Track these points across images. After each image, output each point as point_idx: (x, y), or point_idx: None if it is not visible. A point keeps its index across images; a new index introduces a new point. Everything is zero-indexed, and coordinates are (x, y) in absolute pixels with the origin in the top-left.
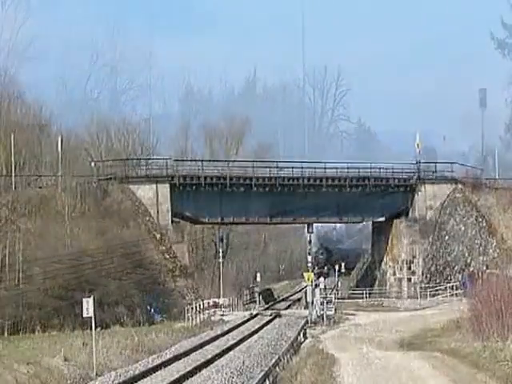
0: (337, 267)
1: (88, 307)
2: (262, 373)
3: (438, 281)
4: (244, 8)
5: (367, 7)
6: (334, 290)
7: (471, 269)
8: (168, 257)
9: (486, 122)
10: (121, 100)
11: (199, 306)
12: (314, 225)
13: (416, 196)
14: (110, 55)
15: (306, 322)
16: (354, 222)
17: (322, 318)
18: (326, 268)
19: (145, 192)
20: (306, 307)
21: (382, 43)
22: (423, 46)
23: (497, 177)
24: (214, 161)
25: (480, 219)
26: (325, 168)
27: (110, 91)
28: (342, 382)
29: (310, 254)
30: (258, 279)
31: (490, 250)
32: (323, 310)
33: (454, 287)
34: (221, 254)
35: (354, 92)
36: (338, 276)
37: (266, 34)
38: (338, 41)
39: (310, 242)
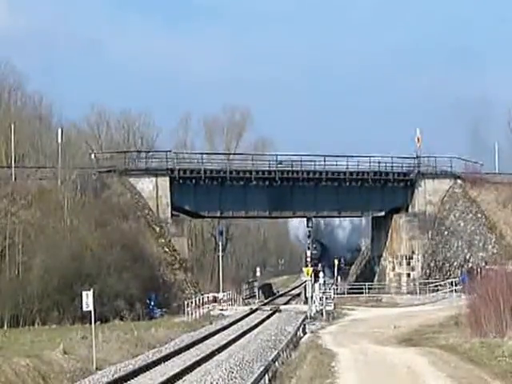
0: (336, 262)
1: (88, 301)
2: (262, 367)
3: (437, 276)
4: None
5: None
6: (333, 286)
7: (470, 265)
8: (167, 250)
9: (486, 115)
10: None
11: (199, 300)
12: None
13: (416, 191)
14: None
15: (306, 317)
16: (353, 217)
17: (322, 314)
18: (320, 265)
19: (144, 185)
20: (306, 302)
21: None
22: (423, 41)
23: (497, 171)
24: (213, 153)
25: (479, 215)
26: (324, 162)
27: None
28: (341, 377)
29: (309, 248)
30: (258, 274)
31: (489, 246)
32: (322, 305)
33: (453, 283)
34: (220, 248)
35: None
36: (338, 271)
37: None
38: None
39: (309, 236)
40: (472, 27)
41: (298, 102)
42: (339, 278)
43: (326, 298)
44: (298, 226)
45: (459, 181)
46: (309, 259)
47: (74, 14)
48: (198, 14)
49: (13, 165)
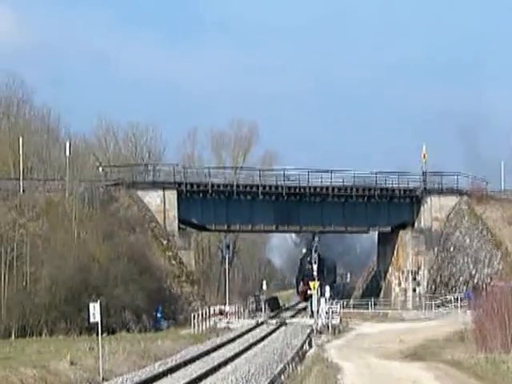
0: (344, 277)
1: (95, 312)
2: (268, 380)
3: (442, 292)
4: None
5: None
6: (335, 300)
7: (476, 281)
8: (174, 263)
9: (491, 132)
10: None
11: (205, 312)
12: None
13: (422, 207)
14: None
15: (312, 330)
16: (359, 232)
17: (328, 328)
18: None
19: (152, 198)
20: (312, 316)
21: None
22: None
23: (502, 189)
24: (221, 168)
25: (485, 231)
26: (331, 177)
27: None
28: None
29: (315, 262)
30: (264, 287)
31: (495, 263)
32: (328, 319)
33: (459, 299)
34: (227, 261)
35: None
36: (344, 286)
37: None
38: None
39: (315, 250)
40: (471, 42)
41: (305, 116)
42: (346, 292)
43: (332, 312)
44: (278, 245)
45: (465, 197)
46: (315, 273)
47: (81, 29)
48: (206, 28)
49: (21, 177)
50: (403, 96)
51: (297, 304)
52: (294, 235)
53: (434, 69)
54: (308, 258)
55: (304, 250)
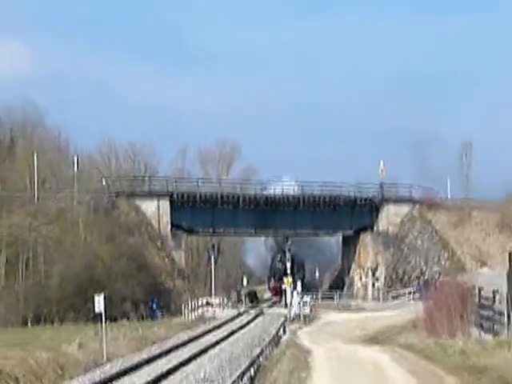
0: (313, 273)
1: (99, 303)
2: (248, 361)
3: (397, 286)
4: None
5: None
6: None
7: (426, 276)
8: (167, 261)
9: (440, 146)
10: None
11: (194, 304)
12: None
13: (380, 213)
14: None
15: (286, 319)
16: (326, 235)
17: (299, 317)
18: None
19: (148, 206)
20: (286, 307)
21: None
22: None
23: (449, 197)
24: (207, 180)
25: (434, 234)
26: (302, 188)
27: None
28: (316, 370)
29: (288, 261)
30: (245, 282)
31: (442, 261)
32: (300, 309)
33: (412, 292)
34: (213, 260)
35: None
36: (313, 281)
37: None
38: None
39: (289, 250)
40: (422, 64)
41: (281, 133)
42: (316, 285)
43: (303, 304)
44: (252, 248)
45: (417, 205)
46: (288, 270)
47: (83, 58)
48: (195, 59)
49: (35, 188)
50: (367, 115)
51: (272, 297)
52: (268, 241)
53: (394, 91)
54: (278, 258)
55: (276, 250)
